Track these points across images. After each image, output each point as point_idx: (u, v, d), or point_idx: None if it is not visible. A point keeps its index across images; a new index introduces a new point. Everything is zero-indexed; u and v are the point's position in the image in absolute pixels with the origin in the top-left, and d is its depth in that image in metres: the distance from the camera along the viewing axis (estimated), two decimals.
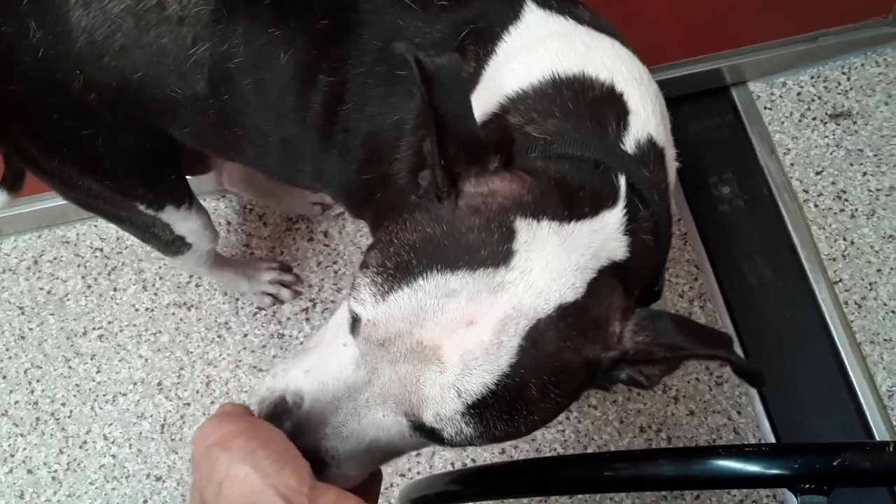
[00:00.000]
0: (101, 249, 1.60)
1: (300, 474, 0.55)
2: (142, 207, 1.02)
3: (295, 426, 0.60)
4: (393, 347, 0.58)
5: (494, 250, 0.58)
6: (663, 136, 0.75)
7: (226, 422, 0.59)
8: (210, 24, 0.82)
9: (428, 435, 0.60)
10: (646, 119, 0.72)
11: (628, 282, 0.64)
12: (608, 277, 0.62)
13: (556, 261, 0.59)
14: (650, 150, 0.72)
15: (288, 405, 0.61)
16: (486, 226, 0.59)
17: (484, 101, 0.75)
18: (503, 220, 0.59)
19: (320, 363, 0.62)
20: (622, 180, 0.67)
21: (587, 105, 0.71)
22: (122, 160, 0.96)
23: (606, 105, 0.72)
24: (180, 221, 1.09)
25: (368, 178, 0.88)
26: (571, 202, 0.63)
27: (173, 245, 1.14)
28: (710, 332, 0.61)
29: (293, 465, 0.55)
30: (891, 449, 0.64)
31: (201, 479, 0.57)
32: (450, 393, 0.56)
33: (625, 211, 0.66)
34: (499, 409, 0.57)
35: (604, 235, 0.63)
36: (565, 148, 0.67)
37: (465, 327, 0.56)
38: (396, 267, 0.58)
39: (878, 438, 1.35)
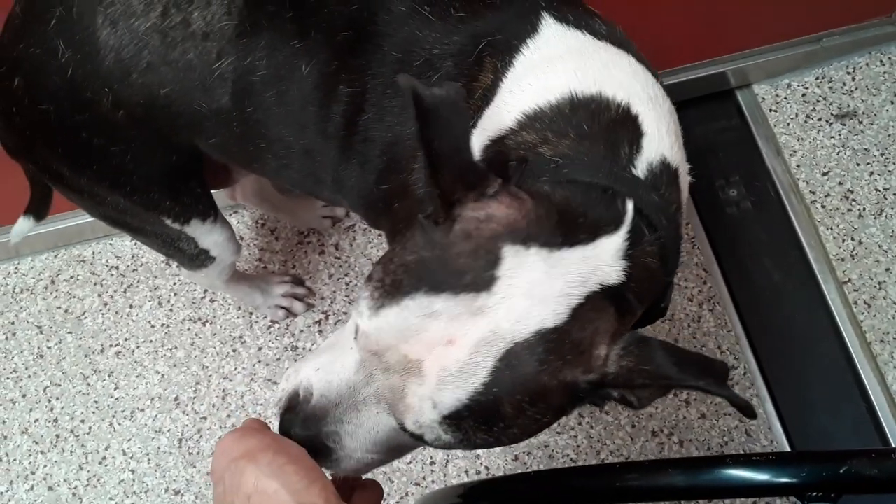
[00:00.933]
0: (117, 267, 1.62)
1: (327, 493, 0.58)
2: (168, 221, 1.04)
3: (305, 416, 0.68)
4: (384, 358, 0.63)
5: (478, 276, 0.60)
6: (678, 155, 0.75)
7: (249, 436, 0.62)
8: (234, 38, 0.84)
9: (413, 436, 0.65)
10: (660, 140, 0.73)
11: (625, 304, 0.65)
12: (598, 302, 0.63)
13: (538, 288, 0.61)
14: (663, 171, 0.72)
15: (299, 398, 0.69)
16: (474, 252, 0.61)
17: (501, 116, 0.76)
18: (491, 247, 0.61)
19: (329, 363, 0.69)
20: (629, 205, 0.68)
21: (602, 127, 0.72)
22: (150, 175, 0.98)
23: (621, 128, 0.72)
24: (205, 235, 1.11)
25: (387, 188, 0.89)
26: (568, 228, 0.64)
27: (198, 259, 1.16)
28: (702, 361, 0.61)
29: (321, 484, 0.58)
30: None
31: (225, 494, 0.59)
32: (426, 404, 0.61)
33: (626, 237, 0.66)
34: (475, 421, 0.61)
35: (597, 262, 0.64)
36: (575, 173, 0.68)
37: (444, 346, 0.60)
38: (391, 284, 0.62)
39: (889, 436, 1.35)
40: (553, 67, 0.76)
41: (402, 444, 0.69)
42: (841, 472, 0.65)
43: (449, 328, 0.59)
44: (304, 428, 0.68)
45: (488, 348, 0.59)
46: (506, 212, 0.63)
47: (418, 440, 0.65)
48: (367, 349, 0.64)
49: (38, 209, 1.15)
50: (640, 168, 0.71)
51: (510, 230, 0.62)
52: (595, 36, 0.80)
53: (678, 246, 0.74)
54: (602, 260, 0.64)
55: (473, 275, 0.60)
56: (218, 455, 0.61)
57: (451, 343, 0.59)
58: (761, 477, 0.68)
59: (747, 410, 0.61)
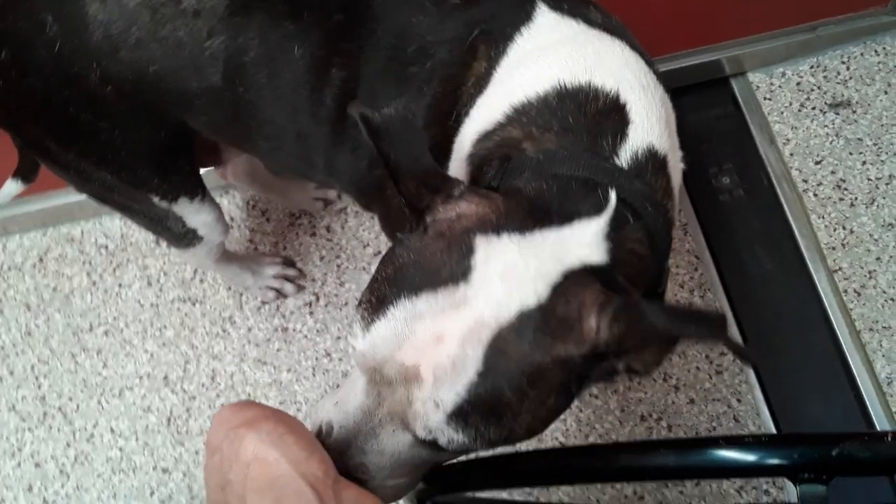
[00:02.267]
0: (106, 246, 1.61)
1: (326, 465, 0.58)
2: (156, 199, 1.03)
3: (330, 451, 0.66)
4: (384, 372, 0.63)
5: (454, 269, 0.61)
6: (666, 143, 0.75)
7: (249, 407, 0.61)
8: (225, 17, 0.83)
9: (431, 446, 0.64)
10: (647, 129, 0.73)
11: (613, 284, 0.65)
12: (581, 279, 0.63)
13: (514, 270, 0.61)
14: (648, 160, 0.73)
15: (323, 434, 0.68)
16: (447, 248, 0.62)
17: (492, 107, 0.77)
18: (464, 240, 0.62)
19: (345, 394, 0.69)
20: (612, 194, 0.68)
21: (588, 118, 0.72)
22: (138, 152, 0.97)
23: (606, 118, 0.73)
24: (193, 214, 1.10)
25: (379, 173, 0.89)
26: (541, 214, 0.65)
27: (185, 237, 1.15)
28: (696, 312, 0.61)
29: (320, 455, 0.58)
30: (889, 439, 0.65)
31: (223, 462, 0.58)
32: (429, 405, 0.61)
33: (607, 221, 0.66)
34: (481, 415, 0.61)
35: (574, 241, 0.64)
36: (555, 167, 0.69)
37: (434, 344, 0.60)
38: (377, 300, 0.63)
39: (877, 425, 1.36)
40: (545, 57, 0.76)
41: (426, 459, 0.69)
42: (833, 454, 0.65)
43: (435, 326, 0.60)
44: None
45: (475, 338, 0.59)
46: (475, 209, 0.64)
47: (436, 449, 0.65)
48: (367, 368, 0.64)
49: (27, 173, 1.13)
50: (624, 157, 0.71)
51: (481, 223, 0.63)
52: (589, 24, 0.80)
53: (668, 232, 0.74)
54: (581, 240, 0.65)
55: (449, 269, 0.61)
56: (216, 425, 0.61)
57: (439, 340, 0.60)
58: (753, 458, 0.68)
59: (746, 355, 0.61)
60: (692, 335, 0.59)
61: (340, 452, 0.66)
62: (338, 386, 1.45)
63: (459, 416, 0.60)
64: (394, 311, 0.61)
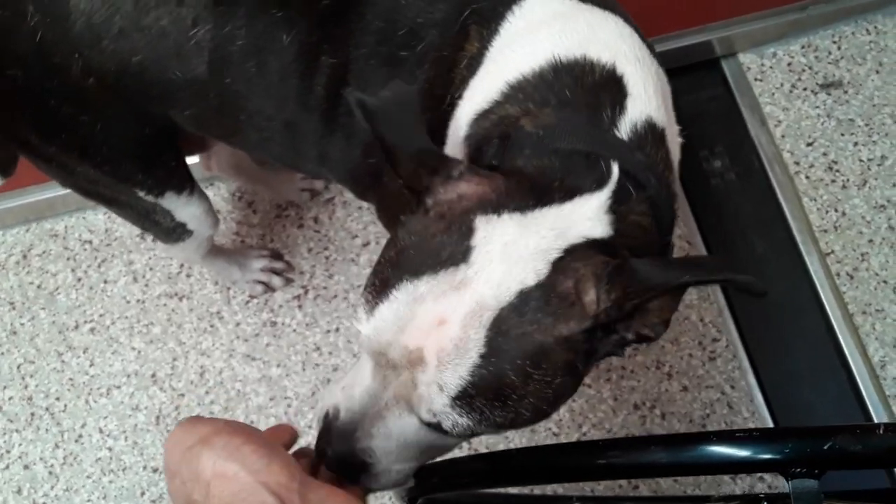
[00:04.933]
0: (91, 242, 1.59)
1: (289, 469, 0.56)
2: (142, 194, 1.02)
3: (336, 434, 0.68)
4: (389, 356, 0.63)
5: (454, 250, 0.61)
6: (664, 117, 0.74)
7: (200, 423, 0.60)
8: (210, 5, 0.81)
9: (436, 429, 0.64)
10: (646, 101, 0.72)
11: (618, 256, 0.64)
12: (582, 253, 0.62)
13: (513, 248, 0.61)
14: (648, 132, 0.72)
15: (329, 418, 0.70)
16: (447, 229, 0.62)
17: (487, 87, 0.75)
18: (464, 221, 0.62)
19: (352, 378, 0.70)
20: (614, 166, 0.67)
21: (585, 91, 0.72)
22: (121, 146, 0.95)
23: (604, 90, 0.72)
24: (181, 208, 1.08)
25: (374, 161, 0.88)
26: (542, 192, 0.64)
27: (174, 232, 1.13)
28: (691, 259, 0.61)
29: (280, 461, 0.57)
30: (881, 431, 0.64)
31: (183, 485, 0.57)
32: (433, 388, 0.61)
33: (610, 195, 0.66)
34: (486, 398, 0.60)
35: (576, 217, 0.64)
36: (556, 142, 0.68)
37: (437, 327, 0.60)
38: (380, 283, 0.63)
39: (870, 408, 1.36)
40: (537, 33, 0.75)
41: (432, 444, 0.69)
42: (825, 447, 0.64)
43: (437, 308, 0.60)
44: (338, 445, 0.68)
45: (476, 320, 0.59)
46: (475, 189, 0.64)
47: (441, 432, 0.64)
48: (373, 351, 0.64)
49: (5, 166, 1.11)
50: (624, 130, 0.70)
51: (481, 203, 0.63)
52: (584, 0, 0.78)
53: (671, 204, 0.73)
54: (583, 214, 0.64)
55: (450, 250, 0.61)
56: (170, 448, 0.60)
57: (442, 322, 0.60)
58: (745, 453, 0.67)
59: (754, 287, 0.59)
60: (690, 280, 0.58)
61: (348, 436, 0.67)
62: (328, 380, 1.44)
63: (464, 399, 0.60)
64: (396, 294, 0.61)
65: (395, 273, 0.62)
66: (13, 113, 0.91)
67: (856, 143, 1.56)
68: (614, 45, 0.74)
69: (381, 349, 0.63)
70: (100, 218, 1.60)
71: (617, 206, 0.66)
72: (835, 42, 1.64)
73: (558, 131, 0.69)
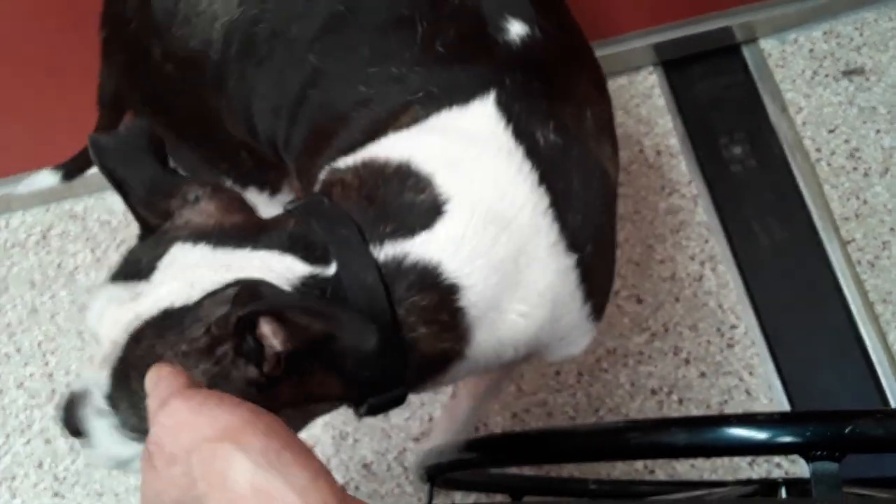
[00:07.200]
0: (109, 223, 1.60)
1: (334, 486, 0.46)
2: (228, 182, 1.07)
3: (68, 402, 0.69)
4: (101, 344, 0.67)
5: (144, 267, 0.65)
6: (476, 279, 0.69)
7: (220, 410, 0.48)
8: None
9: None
10: (450, 252, 0.69)
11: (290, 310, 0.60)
12: (244, 289, 0.61)
13: (182, 274, 0.64)
14: (416, 274, 0.67)
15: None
16: (152, 248, 0.66)
17: (359, 152, 0.76)
18: (165, 244, 0.66)
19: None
20: (333, 265, 0.66)
21: (396, 204, 0.70)
22: (204, 133, 1.02)
23: (410, 215, 0.70)
24: (263, 205, 1.09)
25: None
26: (251, 238, 0.66)
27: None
28: (331, 311, 0.60)
29: (326, 475, 0.46)
30: None
31: (191, 482, 0.46)
32: (99, 382, 0.65)
33: (309, 271, 0.65)
34: (126, 402, 0.64)
35: (254, 262, 0.64)
36: (321, 218, 0.69)
37: (111, 328, 0.64)
38: (106, 277, 0.69)
39: (889, 396, 1.35)
40: (431, 134, 0.74)
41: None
42: (846, 431, 0.65)
43: (118, 312, 0.64)
44: (63, 413, 0.69)
45: (127, 327, 0.63)
46: (204, 218, 0.67)
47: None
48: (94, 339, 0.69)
49: (72, 171, 1.23)
50: (387, 254, 0.67)
51: (192, 232, 0.66)
52: (519, 139, 0.72)
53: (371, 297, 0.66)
54: (262, 262, 0.64)
55: (143, 266, 0.65)
56: (176, 429, 0.48)
57: (115, 324, 0.64)
58: (765, 436, 0.68)
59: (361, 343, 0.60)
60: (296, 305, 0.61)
61: (73, 407, 0.68)
62: None
63: (111, 398, 0.64)
64: (103, 290, 0.67)
65: (111, 274, 0.67)
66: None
67: (878, 131, 1.54)
68: (473, 189, 0.70)
69: (96, 336, 0.68)
70: (118, 200, 1.61)
71: (310, 280, 0.65)
72: (857, 29, 1.63)
73: (323, 210, 0.69)
